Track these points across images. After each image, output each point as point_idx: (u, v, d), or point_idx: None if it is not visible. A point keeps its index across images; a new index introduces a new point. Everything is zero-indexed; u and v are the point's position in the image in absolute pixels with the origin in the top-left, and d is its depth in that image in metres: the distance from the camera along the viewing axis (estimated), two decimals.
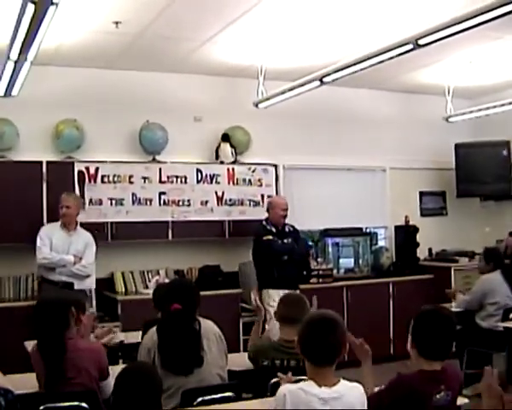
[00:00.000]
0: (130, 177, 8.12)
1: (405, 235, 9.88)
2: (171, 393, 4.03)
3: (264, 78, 8.15)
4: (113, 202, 8.02)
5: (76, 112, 8.05)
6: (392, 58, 6.32)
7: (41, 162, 7.66)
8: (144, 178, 8.19)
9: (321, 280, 8.85)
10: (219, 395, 4.04)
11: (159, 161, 8.45)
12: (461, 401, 3.77)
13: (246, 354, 4.94)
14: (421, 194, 10.59)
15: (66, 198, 7.19)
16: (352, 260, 9.75)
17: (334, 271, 9.28)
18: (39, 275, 7.35)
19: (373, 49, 6.35)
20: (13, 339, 6.29)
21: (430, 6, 6.08)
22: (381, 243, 10.24)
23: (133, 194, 8.11)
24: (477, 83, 9.37)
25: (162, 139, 8.47)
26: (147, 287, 8.06)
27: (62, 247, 7.10)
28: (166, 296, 4.48)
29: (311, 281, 8.68)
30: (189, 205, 8.38)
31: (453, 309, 7.12)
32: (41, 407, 3.82)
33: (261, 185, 8.80)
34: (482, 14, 5.03)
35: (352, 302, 8.85)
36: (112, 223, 7.97)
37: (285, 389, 3.17)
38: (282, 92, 7.92)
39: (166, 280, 7.87)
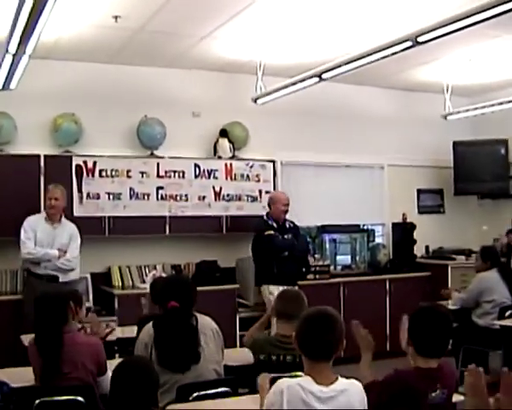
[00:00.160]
0: (128, 171, 8.11)
1: (403, 232, 9.89)
2: (166, 388, 4.03)
3: (263, 73, 8.14)
4: (111, 196, 8.01)
5: (74, 106, 8.04)
6: (391, 55, 6.32)
7: (39, 156, 7.65)
8: (142, 173, 8.19)
9: (318, 276, 8.87)
10: (215, 391, 4.05)
11: (157, 156, 8.44)
12: (456, 398, 3.77)
13: (242, 350, 4.95)
14: (419, 191, 10.60)
15: (54, 190, 7.14)
16: (349, 256, 9.77)
17: (331, 267, 9.30)
18: (25, 268, 7.32)
19: (372, 45, 6.35)
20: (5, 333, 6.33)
21: (430, 3, 6.08)
22: (379, 239, 10.24)
23: (131, 188, 8.11)
24: (476, 81, 9.38)
25: (160, 134, 8.46)
26: (144, 282, 8.04)
27: (47, 240, 7.06)
28: (163, 293, 4.47)
29: (308, 277, 8.69)
30: (186, 200, 8.37)
31: (450, 307, 7.14)
32: (37, 401, 3.82)
33: (259, 181, 8.80)
34: (481, 12, 5.03)
35: (348, 299, 8.86)
36: (109, 217, 7.97)
37: (283, 384, 3.17)
38: (281, 88, 7.92)
39: (163, 275, 7.89)
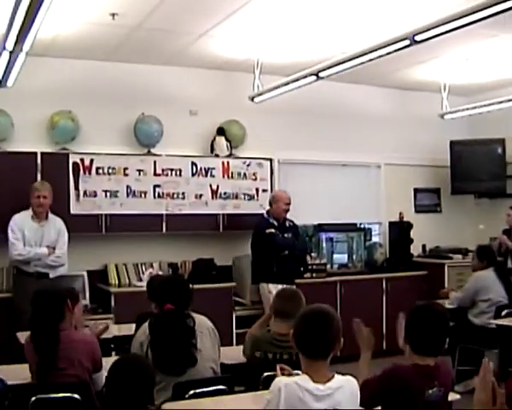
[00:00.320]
0: (125, 169, 8.10)
1: (399, 231, 9.89)
2: (162, 386, 4.03)
3: (261, 72, 8.14)
4: (108, 194, 8.00)
5: (71, 103, 8.03)
6: (388, 54, 6.31)
7: (35, 153, 7.63)
8: (139, 171, 8.17)
9: (314, 275, 8.86)
10: (211, 388, 4.05)
11: (154, 154, 8.43)
12: (452, 397, 3.78)
13: (238, 348, 4.95)
14: (416, 190, 10.60)
15: (42, 188, 7.12)
16: (346, 255, 9.78)
17: (328, 266, 9.30)
18: (13, 266, 7.29)
19: (369, 44, 6.35)
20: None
21: (427, 2, 6.08)
22: (375, 238, 10.24)
23: (128, 186, 8.10)
24: (473, 80, 9.38)
25: (157, 132, 8.46)
26: (140, 279, 8.06)
27: (35, 239, 7.04)
28: (159, 294, 4.47)
29: (305, 275, 8.70)
30: (183, 198, 8.37)
31: (447, 306, 7.15)
32: (33, 398, 3.81)
33: (256, 179, 8.80)
34: (478, 11, 5.03)
35: (345, 298, 8.86)
36: (106, 215, 7.96)
37: (280, 382, 3.18)
38: (278, 87, 7.92)
39: (160, 273, 7.90)
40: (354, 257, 9.77)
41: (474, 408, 2.40)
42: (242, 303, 8.45)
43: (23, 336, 4.52)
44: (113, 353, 5.48)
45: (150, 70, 8.53)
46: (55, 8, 4.89)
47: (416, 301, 3.98)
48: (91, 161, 7.93)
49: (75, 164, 7.86)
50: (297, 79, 7.62)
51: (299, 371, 3.32)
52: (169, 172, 8.32)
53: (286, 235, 7.96)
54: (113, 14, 6.51)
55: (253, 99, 8.31)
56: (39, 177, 7.52)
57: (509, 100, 8.57)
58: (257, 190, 8.80)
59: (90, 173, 7.91)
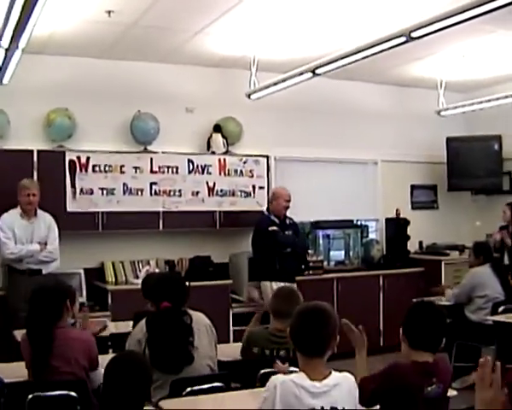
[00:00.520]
0: (122, 167, 8.09)
1: (396, 228, 9.89)
2: (159, 384, 4.03)
3: (257, 69, 8.14)
4: (104, 191, 7.99)
5: (68, 101, 8.02)
6: (385, 50, 6.31)
7: (32, 151, 7.62)
8: (135, 168, 8.17)
9: (311, 272, 8.87)
10: (208, 385, 4.05)
11: (150, 151, 8.43)
12: (449, 393, 3.79)
13: (236, 345, 4.96)
14: (413, 187, 10.61)
15: (31, 185, 7.11)
16: (343, 252, 9.77)
17: (325, 263, 9.31)
18: (5, 264, 7.25)
19: (366, 41, 6.34)
20: None
21: None
22: (372, 235, 10.24)
23: (124, 184, 8.09)
24: (470, 77, 9.38)
25: (154, 129, 8.45)
26: (137, 277, 8.05)
27: (25, 236, 7.03)
28: (155, 292, 4.47)
29: (299, 273, 8.68)
30: (180, 195, 8.36)
31: (443, 303, 7.17)
32: (29, 396, 3.81)
33: (252, 176, 8.79)
34: (475, 7, 5.03)
35: (342, 294, 8.87)
36: (102, 213, 7.94)
37: (276, 379, 3.18)
38: (275, 83, 7.91)
39: (157, 270, 7.90)
40: (351, 254, 9.77)
41: (478, 407, 2.38)
42: (239, 300, 8.45)
43: (19, 335, 4.52)
44: (111, 350, 5.48)
45: (146, 67, 8.52)
46: (50, 6, 4.89)
47: (413, 297, 4.00)
48: (88, 158, 7.92)
49: (71, 162, 7.85)
50: (293, 76, 7.62)
51: (296, 369, 3.32)
52: (165, 170, 8.32)
53: (287, 232, 7.96)
54: (109, 12, 6.50)
55: (249, 96, 8.30)
56: (36, 175, 7.51)
57: (506, 96, 8.58)
58: (253, 187, 8.80)
59: (86, 171, 7.90)
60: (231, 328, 8.14)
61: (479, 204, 10.62)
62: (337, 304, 8.43)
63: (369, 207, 10.23)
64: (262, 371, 4.11)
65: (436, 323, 3.63)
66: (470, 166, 10.16)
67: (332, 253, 9.64)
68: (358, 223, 10.08)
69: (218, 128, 8.78)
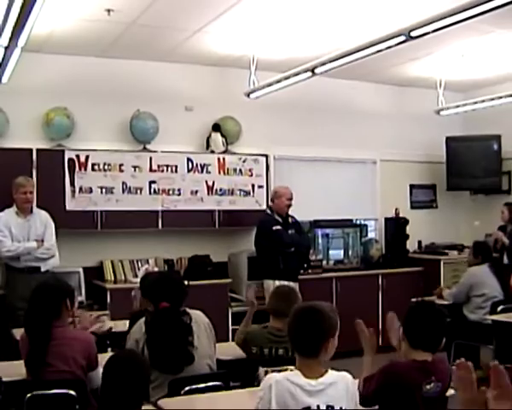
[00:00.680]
0: (121, 165, 8.09)
1: (395, 227, 9.89)
2: (158, 384, 4.03)
3: (256, 68, 8.14)
4: (104, 190, 7.99)
5: (67, 100, 8.02)
6: (384, 50, 6.32)
7: (31, 150, 7.61)
8: (135, 167, 8.16)
9: (310, 271, 8.86)
10: (207, 384, 4.05)
11: (149, 150, 8.43)
12: (448, 393, 3.79)
13: (234, 344, 4.95)
14: (412, 187, 10.61)
15: (27, 184, 7.09)
16: (342, 251, 9.75)
17: (324, 262, 9.31)
18: (4, 263, 7.23)
19: (365, 40, 6.35)
20: None
21: None
22: (371, 234, 10.25)
23: (123, 183, 8.08)
24: (469, 76, 9.38)
25: (153, 128, 8.45)
26: (136, 276, 8.02)
27: (22, 234, 7.01)
28: (154, 291, 4.47)
29: (300, 271, 8.69)
30: (179, 194, 8.36)
31: (441, 302, 7.17)
32: (28, 395, 3.81)
33: (252, 175, 8.79)
34: (474, 7, 5.04)
35: (341, 294, 8.88)
36: (102, 211, 7.94)
37: (271, 378, 3.18)
38: (274, 83, 7.91)
39: (156, 269, 7.88)
40: (350, 253, 9.76)
41: (461, 408, 2.39)
42: (238, 299, 8.45)
43: (18, 333, 4.51)
44: (109, 349, 5.48)
45: (146, 66, 8.52)
46: (50, 4, 4.90)
47: (412, 297, 4.00)
48: (87, 157, 7.92)
49: (70, 160, 7.84)
50: (292, 75, 7.62)
51: (293, 367, 3.32)
52: (164, 169, 8.32)
53: (290, 231, 7.96)
54: (109, 11, 6.50)
55: (248, 95, 8.31)
56: (35, 173, 7.51)
57: (505, 96, 8.58)
58: (252, 186, 8.80)
59: (85, 170, 7.90)
60: (230, 327, 8.13)
61: (478, 204, 10.62)
62: (336, 303, 8.42)
63: (368, 207, 10.24)
64: (260, 369, 4.12)
65: (436, 323, 3.65)
66: (469, 165, 10.16)
67: (331, 252, 9.63)
68: (357, 222, 10.09)
69: (217, 127, 8.77)
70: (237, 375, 4.41)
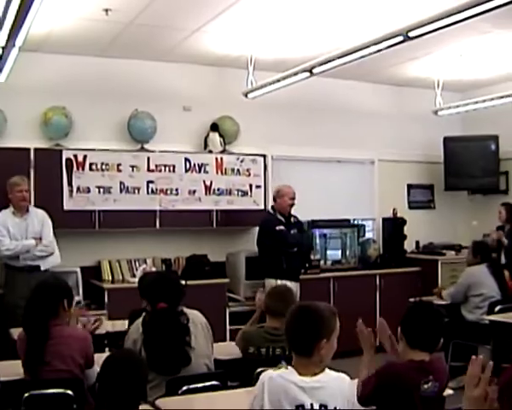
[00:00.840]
0: (119, 165, 8.08)
1: (393, 227, 9.90)
2: (156, 384, 4.04)
3: (254, 68, 8.14)
4: (101, 190, 7.98)
5: (65, 99, 8.02)
6: (382, 50, 6.32)
7: (29, 149, 7.61)
8: (132, 167, 8.16)
9: (308, 271, 8.86)
10: (205, 384, 4.05)
11: (147, 150, 8.42)
12: (446, 392, 3.79)
13: (232, 344, 4.96)
14: (410, 187, 10.62)
15: (23, 182, 7.10)
16: (340, 251, 9.75)
17: (322, 262, 9.30)
18: (4, 262, 7.22)
19: (363, 40, 6.35)
20: None
21: None
22: (369, 234, 10.25)
23: (121, 182, 8.08)
24: (467, 76, 9.38)
25: (151, 128, 8.45)
26: (134, 276, 8.04)
27: (20, 233, 7.02)
28: (151, 292, 4.47)
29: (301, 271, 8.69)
30: (177, 194, 8.35)
31: (439, 302, 7.17)
32: (26, 394, 3.81)
33: (249, 175, 8.78)
34: (472, 7, 5.04)
35: (338, 294, 8.88)
36: (99, 211, 7.93)
37: (265, 376, 3.19)
38: (272, 83, 7.92)
39: (153, 269, 7.89)
40: (348, 253, 9.75)
41: (466, 406, 2.39)
42: (236, 299, 8.45)
43: (17, 333, 4.51)
44: (107, 349, 5.48)
45: (144, 66, 8.52)
46: (48, 3, 4.89)
47: (410, 297, 4.01)
48: (85, 157, 7.91)
49: (68, 160, 7.84)
50: (290, 75, 7.63)
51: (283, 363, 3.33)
52: (162, 168, 8.31)
53: (292, 231, 7.96)
54: (107, 10, 6.49)
55: (246, 95, 8.31)
56: (32, 173, 7.51)
57: (503, 96, 8.59)
58: (250, 186, 8.79)
59: (83, 169, 7.89)
60: (228, 327, 8.13)
61: (475, 204, 10.63)
62: (334, 303, 8.42)
63: (365, 207, 10.24)
64: (259, 369, 4.11)
65: (434, 323, 3.65)
66: (467, 165, 10.16)
67: (329, 252, 9.61)
68: (355, 222, 10.09)
69: (215, 127, 8.77)
70: (235, 375, 4.40)
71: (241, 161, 8.77)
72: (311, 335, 3.20)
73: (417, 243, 10.25)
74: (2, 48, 5.67)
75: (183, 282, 5.40)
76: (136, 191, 8.15)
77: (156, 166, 8.28)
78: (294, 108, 9.39)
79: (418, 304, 3.80)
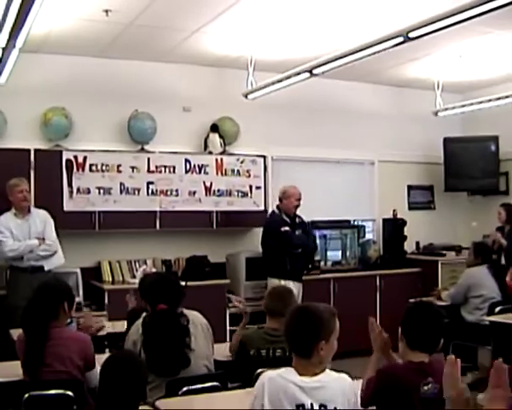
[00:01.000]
0: (119, 166, 8.08)
1: (393, 228, 9.89)
2: (155, 385, 4.04)
3: (254, 69, 8.14)
4: (101, 191, 7.98)
5: (65, 100, 8.02)
6: (382, 51, 6.32)
7: (29, 150, 7.61)
8: (132, 168, 8.15)
9: (305, 272, 8.84)
10: (205, 385, 4.05)
11: (147, 151, 8.43)
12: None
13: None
14: (410, 187, 10.61)
15: (22, 183, 7.11)
16: (340, 252, 9.74)
17: (322, 263, 9.29)
18: (8, 265, 7.22)
19: (363, 41, 6.35)
20: None
21: None
22: (369, 235, 10.25)
23: (121, 183, 8.07)
24: (467, 77, 9.38)
25: (151, 129, 8.45)
26: (134, 276, 8.04)
27: (22, 234, 7.03)
28: (151, 293, 4.46)
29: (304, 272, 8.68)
30: (177, 195, 8.35)
31: (439, 303, 7.16)
32: (25, 395, 3.81)
33: (249, 176, 8.78)
34: (472, 8, 5.04)
35: (339, 295, 8.88)
36: (99, 212, 7.93)
37: (265, 376, 3.20)
38: (272, 83, 7.92)
39: (154, 270, 7.88)
40: (348, 254, 9.74)
41: (447, 407, 2.40)
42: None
43: (16, 334, 4.51)
44: (107, 350, 5.48)
45: (143, 67, 8.52)
46: (48, 5, 4.89)
47: (410, 298, 4.00)
48: (85, 158, 7.91)
49: (68, 161, 7.84)
50: (290, 76, 7.62)
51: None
52: (162, 169, 8.31)
53: (297, 232, 7.96)
54: (107, 11, 6.49)
55: (246, 96, 8.31)
56: (32, 174, 7.51)
57: (503, 97, 8.59)
58: (250, 187, 8.79)
59: (83, 170, 7.89)
60: (228, 328, 8.12)
61: (475, 205, 10.63)
62: (334, 304, 8.40)
63: (365, 208, 10.24)
64: (259, 370, 4.11)
65: (434, 324, 3.64)
66: (467, 166, 10.16)
67: (329, 253, 9.61)
68: (355, 223, 10.09)
69: (215, 128, 8.77)
70: (235, 376, 4.40)
71: (241, 162, 8.77)
72: (309, 336, 3.20)
73: (417, 243, 10.25)
74: (3, 49, 5.67)
75: (183, 283, 5.39)
76: (137, 192, 8.15)
77: (156, 167, 8.28)
78: (294, 109, 9.39)
79: (418, 305, 3.80)
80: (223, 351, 4.90)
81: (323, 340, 3.19)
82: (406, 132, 10.29)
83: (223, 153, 8.76)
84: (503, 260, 8.42)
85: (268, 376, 3.18)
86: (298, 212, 8.13)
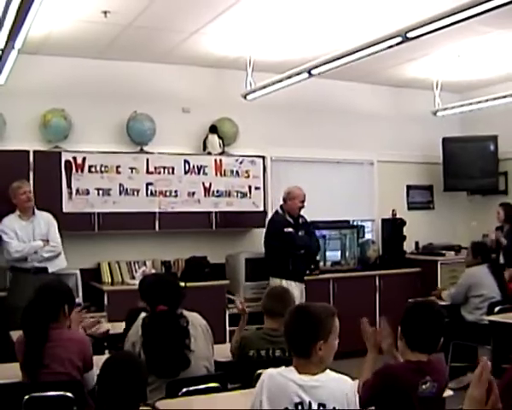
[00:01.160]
0: (118, 167, 8.08)
1: (392, 228, 9.89)
2: (155, 386, 4.04)
3: (253, 69, 8.15)
4: (100, 192, 7.98)
5: (64, 101, 8.02)
6: (381, 51, 6.32)
7: (28, 152, 7.61)
8: (131, 169, 8.16)
9: (307, 272, 8.85)
10: (205, 386, 4.05)
11: (146, 152, 8.43)
12: (446, 393, 3.79)
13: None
14: (409, 187, 10.62)
15: (24, 185, 7.15)
16: (339, 252, 9.74)
17: (321, 263, 9.29)
18: (11, 265, 7.23)
19: (362, 41, 6.35)
20: None
21: None
22: (368, 235, 10.25)
23: (120, 184, 8.08)
24: (465, 77, 9.38)
25: (150, 130, 8.45)
26: (133, 278, 8.05)
27: (27, 236, 7.06)
28: (151, 294, 4.46)
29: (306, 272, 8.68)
30: (176, 196, 8.35)
31: (440, 303, 7.16)
32: (26, 397, 3.81)
33: (249, 177, 8.78)
34: (472, 7, 5.04)
35: (338, 295, 8.87)
36: (99, 213, 7.94)
37: (265, 374, 3.21)
38: (271, 84, 7.92)
39: (153, 271, 7.89)
40: (347, 254, 9.74)
41: (466, 406, 2.39)
42: (235, 301, 8.43)
43: (15, 335, 4.51)
44: (107, 351, 5.48)
45: (142, 68, 8.52)
46: (47, 6, 4.88)
47: (409, 298, 4.00)
48: (84, 159, 7.91)
49: (67, 162, 7.84)
50: (289, 77, 7.62)
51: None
52: (161, 170, 8.31)
53: (300, 232, 7.96)
54: (106, 12, 6.49)
55: (245, 97, 8.31)
56: (32, 175, 7.51)
57: (502, 97, 8.59)
58: (249, 187, 8.79)
59: (82, 172, 7.89)
60: (227, 328, 8.12)
61: (475, 204, 10.64)
62: (333, 305, 8.39)
63: (365, 208, 10.24)
64: (259, 371, 4.11)
65: (434, 323, 3.64)
66: (466, 166, 10.17)
67: (328, 253, 9.60)
68: (354, 223, 10.08)
69: (214, 129, 8.77)
70: (235, 376, 4.40)
71: (240, 163, 8.77)
72: (307, 336, 3.20)
73: (417, 243, 10.26)
74: (2, 50, 5.67)
75: (183, 284, 5.40)
76: (136, 193, 8.15)
77: (155, 168, 8.28)
78: (293, 110, 9.39)
79: (417, 305, 3.80)
80: (223, 352, 4.89)
81: (322, 340, 3.18)
82: (405, 132, 10.30)
83: (222, 154, 8.76)
84: (501, 260, 8.44)
85: (268, 373, 3.19)
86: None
